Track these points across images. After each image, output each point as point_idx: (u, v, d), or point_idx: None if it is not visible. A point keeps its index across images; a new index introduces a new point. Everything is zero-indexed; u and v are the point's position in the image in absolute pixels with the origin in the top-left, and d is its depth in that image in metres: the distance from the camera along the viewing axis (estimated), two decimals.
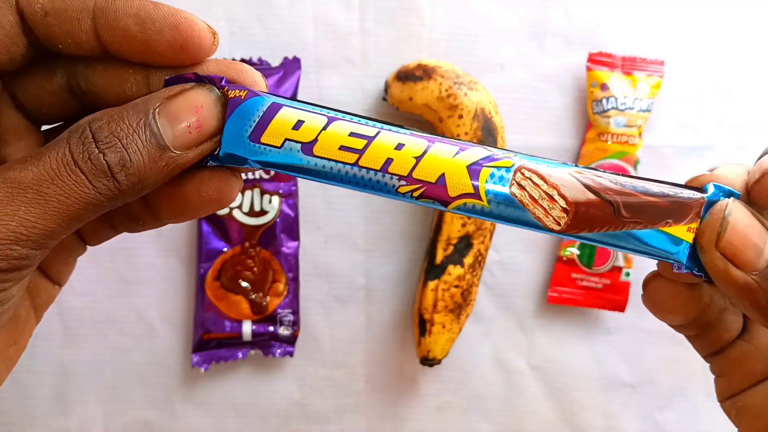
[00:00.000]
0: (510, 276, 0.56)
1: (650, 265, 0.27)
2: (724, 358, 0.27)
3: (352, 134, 0.23)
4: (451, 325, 0.52)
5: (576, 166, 0.24)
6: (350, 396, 0.56)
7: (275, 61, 0.53)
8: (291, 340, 0.54)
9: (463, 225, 0.51)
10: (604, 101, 0.53)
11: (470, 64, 0.54)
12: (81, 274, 0.52)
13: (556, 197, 0.23)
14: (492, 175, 0.23)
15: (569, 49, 0.55)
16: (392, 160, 0.23)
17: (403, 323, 0.55)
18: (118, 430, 0.55)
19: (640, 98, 0.53)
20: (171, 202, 0.25)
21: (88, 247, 0.28)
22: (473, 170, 0.23)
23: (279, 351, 0.54)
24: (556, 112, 0.55)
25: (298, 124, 0.23)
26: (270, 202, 0.53)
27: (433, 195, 0.23)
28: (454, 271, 0.51)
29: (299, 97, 0.53)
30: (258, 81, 0.25)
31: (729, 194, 0.24)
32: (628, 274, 0.54)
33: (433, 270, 0.51)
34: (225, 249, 0.53)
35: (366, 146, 0.23)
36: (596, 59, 0.54)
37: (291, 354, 0.54)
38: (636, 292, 0.54)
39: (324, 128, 0.23)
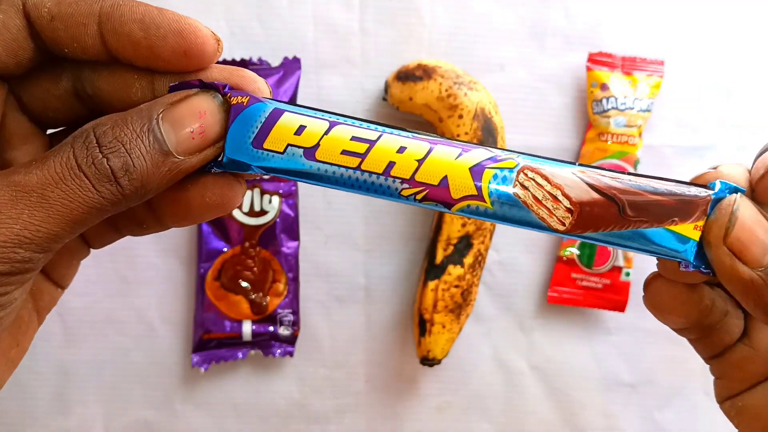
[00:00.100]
0: (510, 276, 0.56)
1: (650, 265, 0.27)
2: (725, 361, 0.27)
3: (353, 138, 0.23)
4: (451, 325, 0.52)
5: (580, 165, 0.24)
6: (350, 396, 0.56)
7: (275, 61, 0.53)
8: (291, 340, 0.54)
9: (463, 225, 0.51)
10: (604, 101, 0.53)
11: (470, 64, 0.54)
12: (81, 274, 0.52)
13: (560, 197, 0.23)
14: (495, 176, 0.23)
15: (569, 49, 0.55)
16: (394, 163, 0.23)
17: (403, 323, 0.56)
18: (118, 430, 0.55)
19: (640, 98, 0.53)
20: (175, 206, 0.25)
21: (91, 249, 0.28)
22: (476, 172, 0.23)
23: (279, 351, 0.54)
24: (556, 112, 0.55)
25: (300, 130, 0.23)
26: (270, 202, 0.53)
27: (437, 197, 0.23)
28: (454, 271, 0.51)
29: (299, 97, 0.53)
30: (261, 87, 0.25)
31: (735, 191, 0.24)
32: (628, 274, 0.54)
33: (433, 270, 0.51)
34: (225, 249, 0.53)
35: (368, 150, 0.23)
36: (596, 59, 0.54)
37: (291, 354, 0.54)
38: (636, 292, 0.54)
39: (326, 133, 0.23)
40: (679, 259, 0.24)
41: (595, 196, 0.23)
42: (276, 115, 0.23)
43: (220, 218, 0.53)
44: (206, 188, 0.24)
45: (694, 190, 0.24)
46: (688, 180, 0.25)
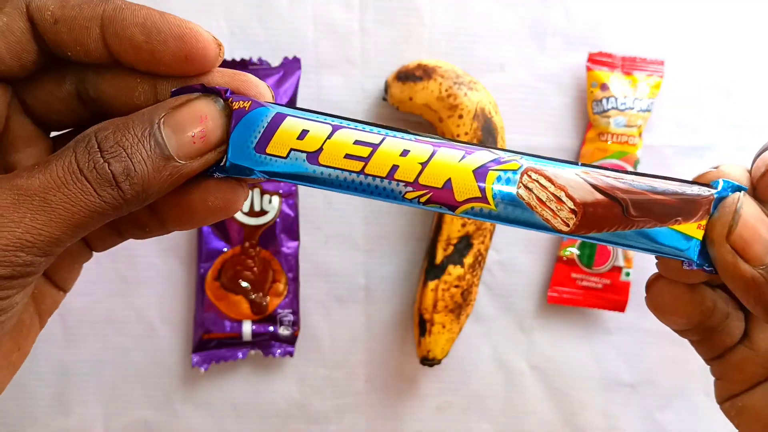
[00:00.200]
0: (510, 276, 0.56)
1: (651, 265, 0.27)
2: (725, 362, 0.27)
3: (356, 142, 0.23)
4: (451, 325, 0.52)
5: (583, 165, 0.24)
6: (350, 396, 0.56)
7: (275, 61, 0.53)
8: (291, 340, 0.54)
9: (463, 225, 0.51)
10: (604, 101, 0.53)
11: (470, 64, 0.54)
12: (81, 274, 0.52)
13: (564, 199, 0.23)
14: (499, 178, 0.23)
15: (569, 49, 0.55)
16: (398, 166, 0.23)
17: (403, 323, 0.56)
18: (118, 430, 0.55)
19: (640, 98, 0.53)
20: (178, 210, 0.25)
21: (93, 252, 0.28)
22: (480, 174, 0.23)
23: (279, 351, 0.54)
24: (556, 112, 0.55)
25: (302, 134, 0.23)
26: (270, 202, 0.53)
27: (440, 200, 0.23)
28: (454, 271, 0.51)
29: (299, 97, 0.53)
30: (263, 92, 0.25)
31: (737, 189, 0.24)
32: (628, 274, 0.54)
33: (433, 270, 0.51)
34: (225, 249, 0.53)
35: (371, 154, 0.23)
36: (596, 59, 0.54)
37: (291, 354, 0.54)
38: (636, 292, 0.54)
39: (329, 137, 0.23)
40: (682, 258, 0.24)
41: (599, 196, 0.23)
42: (278, 119, 0.23)
43: None
44: (209, 192, 0.24)
45: (696, 189, 0.24)
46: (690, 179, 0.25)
